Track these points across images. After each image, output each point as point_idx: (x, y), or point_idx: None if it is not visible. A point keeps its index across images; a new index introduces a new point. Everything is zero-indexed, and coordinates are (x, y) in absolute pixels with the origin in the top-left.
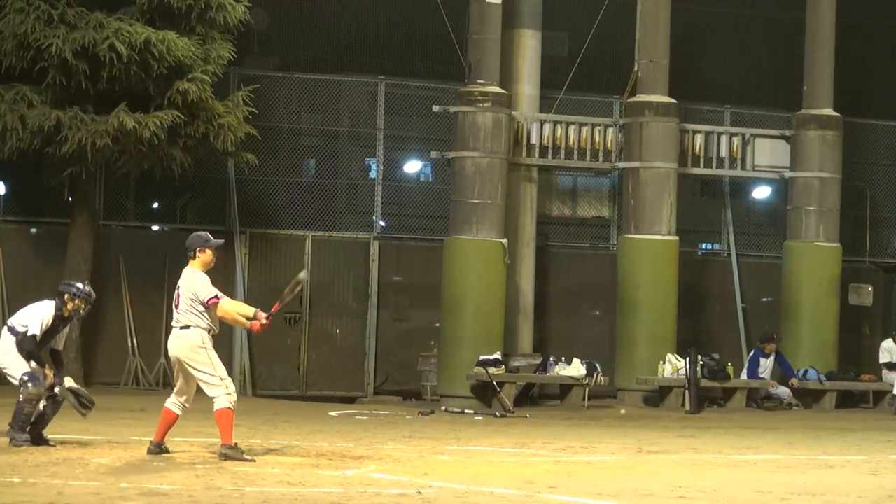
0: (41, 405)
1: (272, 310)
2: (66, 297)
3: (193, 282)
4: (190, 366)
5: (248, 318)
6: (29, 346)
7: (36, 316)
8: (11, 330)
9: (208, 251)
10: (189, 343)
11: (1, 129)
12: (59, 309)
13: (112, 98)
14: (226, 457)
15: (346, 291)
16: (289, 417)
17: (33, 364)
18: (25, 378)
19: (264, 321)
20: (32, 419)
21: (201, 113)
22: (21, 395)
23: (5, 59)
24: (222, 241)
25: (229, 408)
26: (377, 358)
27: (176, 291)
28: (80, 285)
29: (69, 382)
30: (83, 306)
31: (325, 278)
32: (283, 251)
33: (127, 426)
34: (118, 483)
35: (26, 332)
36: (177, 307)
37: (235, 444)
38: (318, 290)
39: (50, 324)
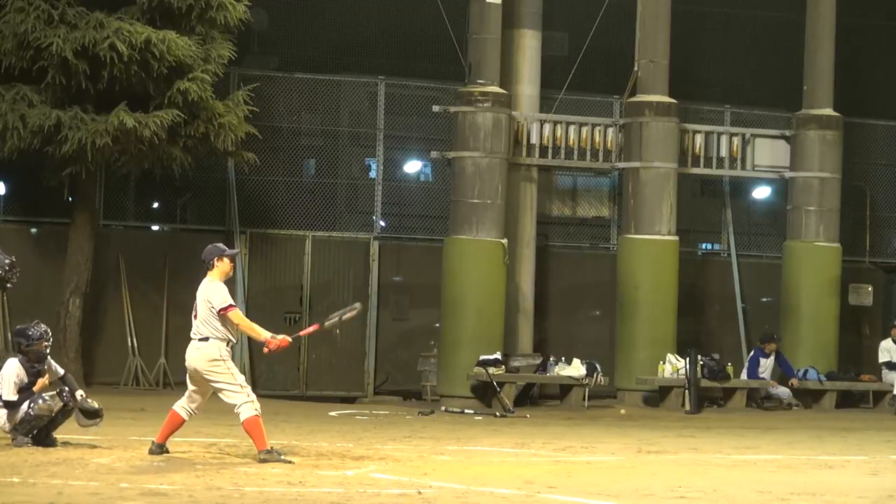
0: (52, 413)
1: (301, 333)
2: (22, 347)
3: (209, 291)
4: (210, 378)
5: (270, 336)
6: (12, 407)
7: (8, 380)
8: None
9: (225, 260)
10: (207, 355)
11: (1, 128)
12: (23, 362)
13: (112, 98)
14: (265, 461)
15: (346, 291)
16: (289, 417)
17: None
18: (34, 399)
19: (285, 341)
20: (40, 430)
21: (201, 112)
22: (32, 410)
23: (5, 59)
24: (237, 250)
25: (256, 415)
26: (377, 358)
27: (195, 302)
28: (30, 332)
29: (79, 395)
30: (44, 345)
31: (325, 278)
32: (283, 251)
33: (127, 426)
34: (118, 483)
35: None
36: (195, 317)
37: (271, 447)
38: (318, 290)
39: (25, 377)
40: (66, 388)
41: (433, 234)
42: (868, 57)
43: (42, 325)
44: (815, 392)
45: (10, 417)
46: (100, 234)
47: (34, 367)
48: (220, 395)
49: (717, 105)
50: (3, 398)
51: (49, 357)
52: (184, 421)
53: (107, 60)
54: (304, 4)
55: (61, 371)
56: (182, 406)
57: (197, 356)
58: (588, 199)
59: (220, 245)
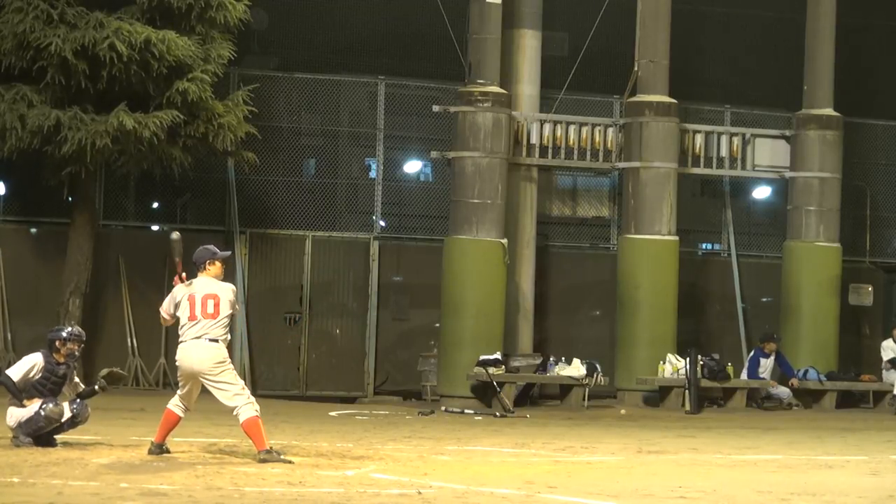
0: (60, 420)
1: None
2: (56, 343)
3: (231, 293)
4: (212, 380)
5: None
6: (3, 379)
7: (21, 364)
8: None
9: (217, 263)
10: (216, 356)
11: (0, 128)
12: (47, 358)
13: (112, 98)
14: (265, 461)
15: (346, 291)
16: (289, 417)
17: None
18: (47, 401)
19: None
20: (43, 433)
21: (201, 113)
22: (43, 411)
23: (5, 59)
24: (230, 252)
25: (255, 415)
26: (377, 358)
27: (207, 299)
28: (69, 329)
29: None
30: (76, 348)
31: (325, 278)
32: (283, 251)
33: (127, 426)
34: (118, 483)
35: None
36: (213, 316)
37: (270, 447)
38: (318, 290)
39: (39, 373)
40: (79, 402)
41: (433, 234)
42: (868, 57)
43: (78, 328)
44: (815, 392)
45: (14, 404)
46: (100, 234)
47: (56, 368)
48: (219, 396)
49: (717, 105)
50: (6, 371)
51: (76, 374)
52: (179, 419)
53: (106, 60)
54: (304, 4)
55: (81, 388)
56: (176, 404)
57: (205, 357)
58: (588, 199)
59: (212, 247)
